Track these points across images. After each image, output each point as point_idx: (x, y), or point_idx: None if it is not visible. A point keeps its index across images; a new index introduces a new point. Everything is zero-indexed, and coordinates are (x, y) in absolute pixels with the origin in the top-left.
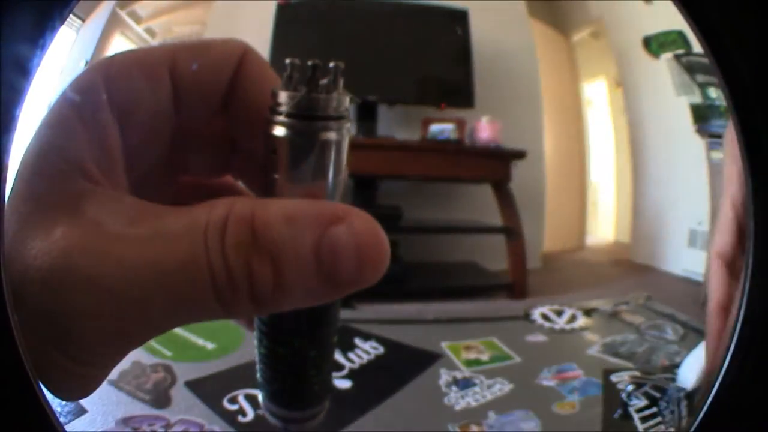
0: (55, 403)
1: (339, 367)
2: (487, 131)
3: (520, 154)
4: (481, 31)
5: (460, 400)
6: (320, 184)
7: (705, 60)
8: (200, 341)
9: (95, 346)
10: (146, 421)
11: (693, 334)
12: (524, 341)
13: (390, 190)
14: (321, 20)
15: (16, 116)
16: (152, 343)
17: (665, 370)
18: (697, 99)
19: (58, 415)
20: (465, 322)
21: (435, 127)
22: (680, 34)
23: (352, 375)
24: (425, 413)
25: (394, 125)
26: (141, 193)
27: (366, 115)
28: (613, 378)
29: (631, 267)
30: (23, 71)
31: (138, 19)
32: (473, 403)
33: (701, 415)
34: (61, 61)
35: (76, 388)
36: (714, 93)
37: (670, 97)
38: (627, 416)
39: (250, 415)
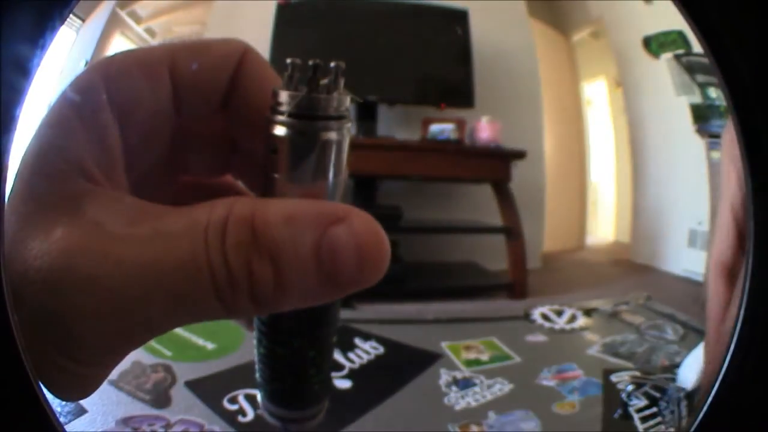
0: (55, 403)
1: (339, 367)
2: (487, 131)
3: (520, 154)
4: (481, 31)
5: (460, 400)
6: (320, 184)
7: (705, 60)
8: (200, 341)
9: (95, 347)
10: (146, 421)
11: (693, 334)
12: (524, 341)
13: (390, 190)
14: (321, 20)
15: (16, 116)
16: (152, 343)
17: (665, 370)
18: (697, 99)
19: (58, 415)
20: (465, 322)
21: (435, 127)
22: (680, 34)
23: (352, 375)
24: (425, 413)
25: (394, 125)
26: (141, 193)
27: (366, 115)
28: (613, 378)
29: (631, 267)
30: (23, 71)
31: (138, 19)
32: (473, 403)
33: (701, 415)
34: (61, 61)
35: (76, 389)
36: (714, 93)
37: (670, 97)
38: (627, 416)
39: (250, 415)
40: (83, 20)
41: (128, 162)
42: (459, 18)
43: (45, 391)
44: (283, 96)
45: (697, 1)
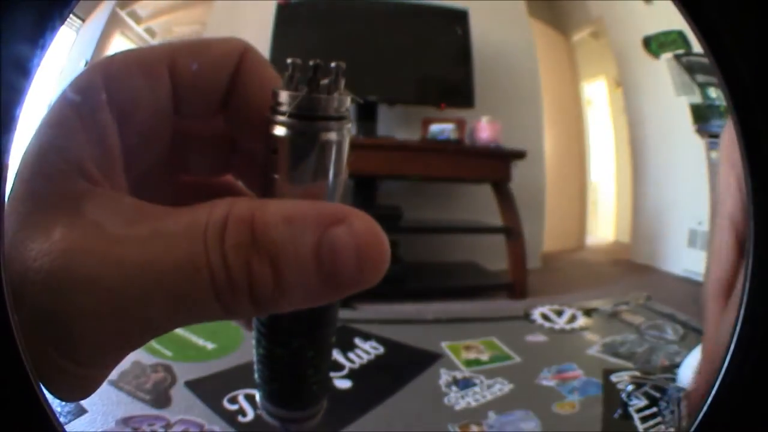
0: (55, 403)
1: (339, 367)
2: (487, 131)
3: (520, 154)
4: (481, 31)
5: (460, 400)
6: (320, 184)
7: (705, 60)
8: (200, 341)
9: (95, 348)
10: (146, 421)
11: (693, 334)
12: (524, 341)
13: (390, 190)
14: (321, 20)
15: (16, 116)
16: (152, 343)
17: (665, 370)
18: (697, 99)
19: (58, 415)
20: (465, 322)
21: (435, 127)
22: (680, 34)
23: (352, 375)
24: (425, 413)
25: (394, 125)
26: (141, 192)
27: (366, 115)
28: (613, 378)
29: (631, 267)
30: (23, 71)
31: (138, 19)
32: (473, 403)
33: (701, 415)
34: (61, 61)
35: (76, 389)
36: (714, 93)
37: (670, 97)
38: (627, 416)
39: (250, 415)
40: (83, 20)
41: (127, 162)
42: (459, 18)
43: (45, 391)
44: (283, 96)
45: (697, 1)
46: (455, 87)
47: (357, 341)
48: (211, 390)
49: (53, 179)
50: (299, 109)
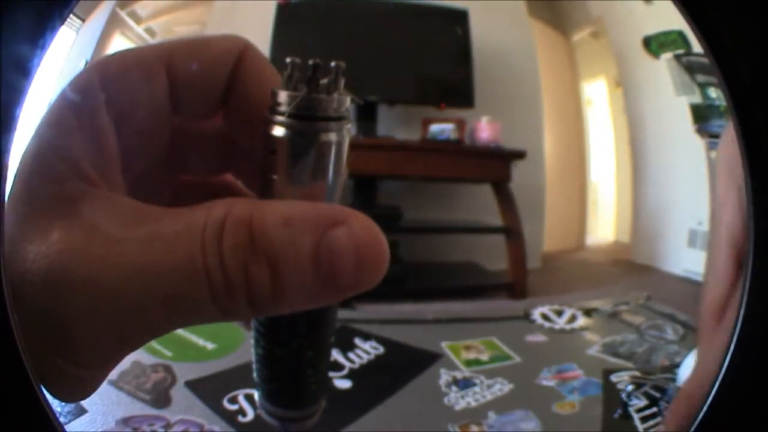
0: (55, 403)
1: (339, 367)
2: (487, 131)
3: (520, 154)
4: (481, 31)
5: (460, 400)
6: (319, 185)
7: (705, 60)
8: (200, 341)
9: (93, 349)
10: (146, 421)
11: (693, 334)
12: (524, 341)
13: (390, 190)
14: (321, 20)
15: (16, 116)
16: (152, 343)
17: (665, 370)
18: (697, 99)
19: (58, 415)
20: (465, 322)
21: (435, 127)
22: (680, 34)
23: (352, 375)
24: (425, 413)
25: (394, 125)
26: (140, 192)
27: (366, 115)
28: (613, 378)
29: (631, 267)
30: (23, 71)
31: (138, 19)
32: (473, 403)
33: (701, 415)
34: (61, 61)
35: (75, 390)
36: (714, 93)
37: (670, 97)
38: (627, 416)
39: (250, 415)
40: (83, 20)
41: (126, 161)
42: (459, 18)
43: (45, 391)
44: (282, 96)
45: (697, 1)
46: (455, 87)
47: (357, 341)
48: (211, 390)
49: (51, 180)
50: (298, 110)
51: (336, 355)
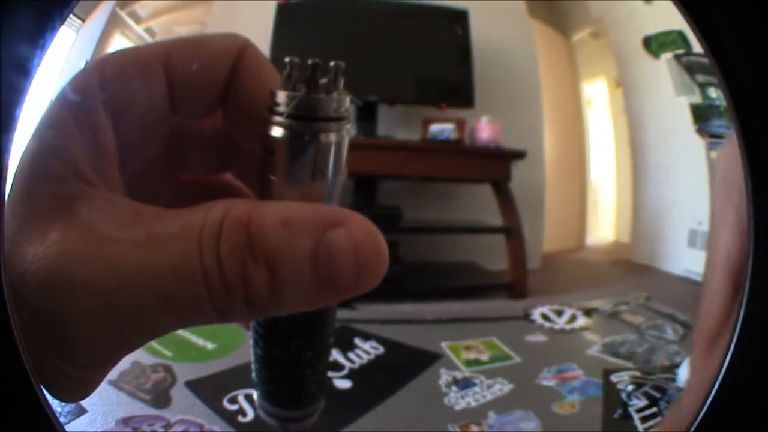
0: (55, 403)
1: (339, 367)
2: (487, 131)
3: (520, 154)
4: (481, 31)
5: (460, 400)
6: (318, 186)
7: (705, 60)
8: (200, 341)
9: (91, 350)
10: (146, 421)
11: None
12: (524, 341)
13: (390, 190)
14: (321, 20)
15: (16, 116)
16: (152, 343)
17: (665, 370)
18: (697, 99)
19: (58, 415)
20: (465, 322)
21: (435, 127)
22: (680, 34)
23: (352, 375)
24: (425, 413)
25: (394, 125)
26: (139, 191)
27: (366, 115)
28: (613, 378)
29: (631, 267)
30: (23, 71)
31: (138, 19)
32: (473, 403)
33: (701, 415)
34: (61, 61)
35: (75, 390)
36: (714, 93)
37: (670, 97)
38: (627, 416)
39: (250, 415)
40: (83, 20)
41: (124, 161)
42: (459, 18)
43: (45, 391)
44: (281, 96)
45: (697, 1)
46: (455, 87)
47: (357, 341)
48: (211, 390)
49: (49, 181)
50: (297, 110)
51: (336, 355)
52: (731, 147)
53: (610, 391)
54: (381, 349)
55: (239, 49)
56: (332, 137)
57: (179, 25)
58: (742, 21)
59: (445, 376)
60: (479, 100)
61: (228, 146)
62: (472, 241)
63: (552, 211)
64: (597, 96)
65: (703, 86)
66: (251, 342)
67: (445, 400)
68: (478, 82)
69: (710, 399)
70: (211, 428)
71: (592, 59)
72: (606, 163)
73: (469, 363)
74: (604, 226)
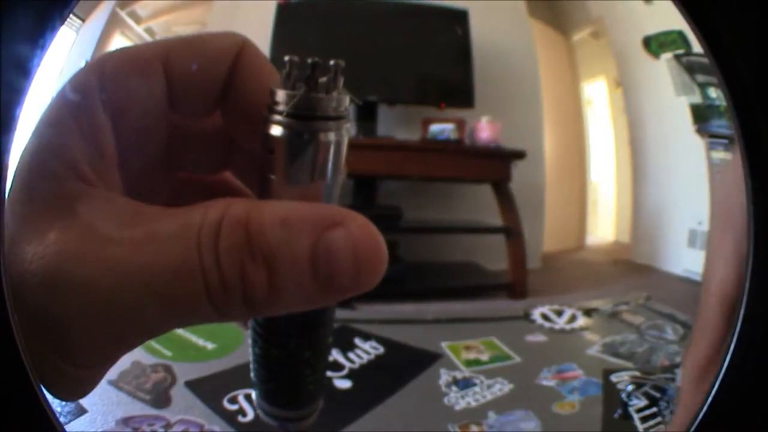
0: (55, 403)
1: (339, 367)
2: (487, 131)
3: (520, 154)
4: (481, 31)
5: (460, 400)
6: (318, 185)
7: (705, 60)
8: (200, 341)
9: (90, 349)
10: (146, 421)
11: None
12: (524, 341)
13: (390, 190)
14: (321, 20)
15: (16, 116)
16: (152, 343)
17: (665, 370)
18: (697, 99)
19: (58, 415)
20: (465, 322)
21: (435, 127)
22: (680, 34)
23: (352, 375)
24: (425, 413)
25: (394, 125)
26: (138, 190)
27: (366, 115)
28: (613, 378)
29: (631, 267)
30: (23, 71)
31: (138, 19)
32: (473, 403)
33: (701, 415)
34: (61, 61)
35: (73, 389)
36: (714, 93)
37: (670, 97)
38: (627, 416)
39: (250, 415)
40: (83, 20)
41: (123, 160)
42: (459, 18)
43: (45, 391)
44: (281, 95)
45: (697, 1)
46: (455, 87)
47: (357, 341)
48: (211, 390)
49: (48, 180)
50: (297, 109)
51: (336, 355)
52: (729, 175)
53: (610, 391)
54: (381, 349)
55: (238, 48)
56: (332, 136)
57: (179, 25)
58: (742, 21)
59: (445, 376)
60: (479, 100)
61: (227, 145)
62: (472, 241)
63: (552, 211)
64: (597, 96)
65: (703, 86)
66: (250, 341)
67: (445, 400)
68: (478, 82)
69: (710, 399)
70: (211, 428)
71: (592, 59)
72: (606, 163)
73: (469, 363)
74: (604, 226)
